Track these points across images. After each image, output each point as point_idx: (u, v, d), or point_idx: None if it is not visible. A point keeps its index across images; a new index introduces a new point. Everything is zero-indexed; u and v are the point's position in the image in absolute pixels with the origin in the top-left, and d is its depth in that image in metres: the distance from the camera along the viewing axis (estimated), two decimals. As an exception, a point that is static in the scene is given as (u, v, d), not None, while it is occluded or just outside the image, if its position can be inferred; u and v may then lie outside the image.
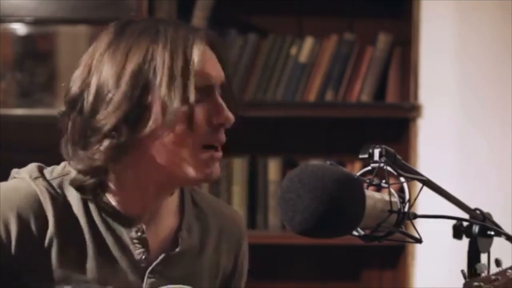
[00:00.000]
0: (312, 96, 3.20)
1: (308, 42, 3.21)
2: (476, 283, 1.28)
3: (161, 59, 1.36)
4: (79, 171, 1.40)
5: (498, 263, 1.35)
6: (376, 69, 3.23)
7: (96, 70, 1.38)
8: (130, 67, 1.36)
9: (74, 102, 1.40)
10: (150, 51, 1.36)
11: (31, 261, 1.38)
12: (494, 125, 3.13)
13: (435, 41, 3.18)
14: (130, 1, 3.08)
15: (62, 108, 1.44)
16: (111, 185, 1.42)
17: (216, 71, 1.42)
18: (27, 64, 3.21)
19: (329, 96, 3.20)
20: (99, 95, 1.37)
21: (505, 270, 1.30)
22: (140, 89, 1.35)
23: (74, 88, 1.40)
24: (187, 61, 1.36)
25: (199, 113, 1.38)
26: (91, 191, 1.42)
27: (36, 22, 3.14)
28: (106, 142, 1.36)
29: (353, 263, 3.35)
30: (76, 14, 3.10)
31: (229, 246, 1.57)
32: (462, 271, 1.30)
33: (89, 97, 1.37)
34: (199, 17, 3.14)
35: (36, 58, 3.22)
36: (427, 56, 3.18)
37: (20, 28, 3.17)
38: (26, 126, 3.13)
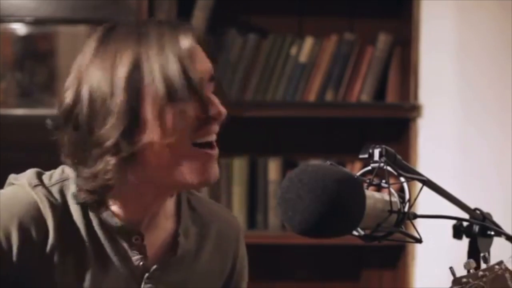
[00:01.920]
0: (312, 96, 3.20)
1: (308, 42, 3.21)
2: (464, 280, 1.28)
3: (154, 61, 1.34)
4: (86, 191, 1.38)
5: (485, 259, 1.35)
6: (376, 69, 3.23)
7: (86, 78, 1.35)
8: (122, 73, 1.34)
9: (68, 115, 1.37)
10: (141, 54, 1.34)
11: (33, 270, 1.37)
12: (494, 125, 3.13)
13: (435, 41, 3.18)
14: (130, 1, 3.08)
15: (55, 119, 1.41)
16: (113, 195, 1.41)
17: (204, 66, 1.39)
18: (27, 64, 3.21)
19: (329, 96, 3.20)
20: (94, 105, 1.34)
21: (492, 266, 1.30)
22: (136, 97, 1.33)
23: (67, 100, 1.37)
24: (178, 59, 1.34)
25: (190, 109, 1.36)
26: (94, 205, 1.41)
27: (36, 22, 3.14)
28: (109, 158, 1.34)
29: (353, 263, 3.35)
30: (76, 14, 3.10)
31: (227, 250, 1.56)
32: (451, 268, 1.30)
33: (83, 108, 1.35)
34: (199, 17, 3.14)
35: (36, 58, 3.22)
36: (427, 56, 3.18)
37: (20, 28, 3.17)
38: (26, 126, 3.12)
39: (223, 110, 1.38)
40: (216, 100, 1.39)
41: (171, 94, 1.33)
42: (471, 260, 1.32)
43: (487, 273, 1.29)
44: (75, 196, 1.40)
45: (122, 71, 1.33)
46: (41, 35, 3.22)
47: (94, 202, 1.40)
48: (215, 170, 1.40)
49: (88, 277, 1.40)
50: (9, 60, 3.19)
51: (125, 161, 1.34)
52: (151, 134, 1.34)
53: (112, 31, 1.39)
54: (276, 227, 3.18)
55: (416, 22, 3.17)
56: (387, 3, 3.28)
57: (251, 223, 3.17)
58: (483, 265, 1.34)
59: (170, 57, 1.34)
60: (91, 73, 1.35)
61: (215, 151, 1.40)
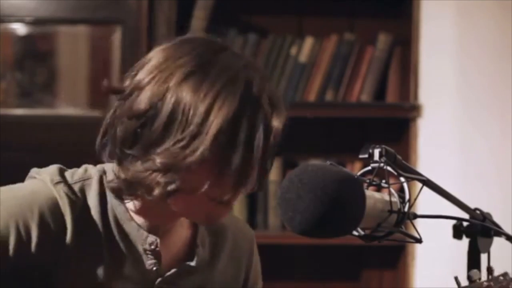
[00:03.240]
0: (312, 96, 3.20)
1: (308, 42, 3.21)
2: None
3: (243, 128, 1.31)
4: (123, 180, 1.38)
5: (490, 270, 1.35)
6: (376, 69, 3.23)
7: (176, 91, 1.32)
8: (218, 120, 1.30)
9: (140, 115, 1.34)
10: (237, 112, 1.31)
11: (49, 264, 1.38)
12: (494, 125, 3.13)
13: (435, 41, 3.18)
14: (130, 1, 3.08)
15: (112, 109, 1.38)
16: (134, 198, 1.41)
17: (273, 144, 1.38)
18: (27, 64, 3.21)
19: (329, 96, 3.20)
20: (173, 119, 1.32)
21: (497, 277, 1.30)
22: (211, 147, 1.31)
23: (143, 101, 1.34)
24: (265, 140, 1.33)
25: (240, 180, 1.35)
26: (116, 203, 1.41)
27: (36, 22, 3.14)
28: (159, 176, 1.33)
29: (353, 263, 3.35)
30: (76, 14, 3.10)
31: (241, 260, 1.57)
32: (456, 278, 1.30)
33: (162, 115, 1.32)
34: (199, 17, 3.14)
35: (36, 58, 3.23)
36: (427, 56, 3.18)
37: (20, 28, 3.17)
38: (26, 126, 3.13)
39: (255, 186, 1.38)
40: (255, 178, 1.37)
41: (239, 166, 1.32)
42: (476, 271, 1.32)
43: (491, 283, 1.29)
44: (105, 185, 1.40)
45: (221, 115, 1.31)
46: (41, 35, 3.22)
47: (119, 196, 1.40)
48: (223, 218, 1.43)
49: (101, 277, 1.40)
50: (9, 60, 3.20)
51: (172, 193, 1.35)
52: (197, 185, 1.34)
53: (213, 59, 1.36)
54: (276, 227, 3.18)
55: (416, 22, 3.18)
56: (387, 3, 3.28)
57: (251, 223, 3.16)
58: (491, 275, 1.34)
59: (259, 132, 1.32)
60: (184, 91, 1.32)
61: (231, 208, 1.41)
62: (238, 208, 3.15)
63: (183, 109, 1.31)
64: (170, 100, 1.32)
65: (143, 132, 1.34)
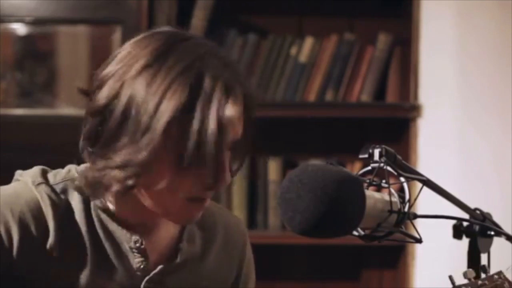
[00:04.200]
0: (312, 96, 3.20)
1: (308, 42, 3.21)
2: None
3: (196, 116, 1.28)
4: (85, 180, 1.38)
5: (484, 269, 1.35)
6: (376, 69, 3.23)
7: (131, 86, 1.32)
8: (170, 107, 1.29)
9: (98, 112, 1.34)
10: (188, 100, 1.29)
11: (32, 267, 1.37)
12: (494, 125, 3.13)
13: (435, 41, 3.18)
14: (130, 1, 3.08)
15: (84, 109, 1.38)
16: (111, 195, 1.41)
17: (235, 130, 1.34)
18: (27, 64, 3.21)
19: (329, 96, 3.20)
20: (128, 113, 1.31)
21: (491, 276, 1.30)
22: (164, 137, 1.30)
23: (103, 94, 1.34)
24: (217, 126, 1.29)
25: (201, 173, 1.33)
26: (96, 202, 1.41)
27: (36, 22, 3.14)
28: (117, 173, 1.32)
29: (353, 263, 3.35)
30: (76, 14, 3.10)
31: (233, 254, 1.56)
32: (450, 276, 1.30)
33: (117, 111, 1.32)
34: (199, 17, 3.14)
35: (36, 58, 3.22)
36: (427, 56, 3.18)
37: (20, 28, 3.17)
38: (26, 126, 3.13)
39: (228, 180, 1.35)
40: (226, 169, 1.34)
41: (194, 156, 1.30)
42: (471, 270, 1.32)
43: (486, 282, 1.29)
44: (77, 187, 1.40)
45: (170, 107, 1.29)
46: (41, 35, 3.22)
47: (93, 195, 1.39)
48: (197, 216, 1.39)
49: (86, 278, 1.39)
50: (9, 60, 3.20)
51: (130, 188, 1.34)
52: (157, 178, 1.33)
53: (169, 51, 1.34)
54: (276, 227, 3.18)
55: (416, 22, 3.17)
56: (387, 3, 3.28)
57: (251, 223, 3.17)
58: (482, 275, 1.34)
59: (212, 120, 1.29)
60: (138, 85, 1.31)
61: (206, 203, 1.38)
62: (238, 208, 3.15)
63: (136, 104, 1.30)
64: (124, 95, 1.31)
65: (103, 129, 1.33)
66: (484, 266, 1.34)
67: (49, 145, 3.02)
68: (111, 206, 1.42)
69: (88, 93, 1.38)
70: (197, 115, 1.29)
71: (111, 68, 1.35)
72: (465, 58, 3.16)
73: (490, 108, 3.13)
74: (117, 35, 3.12)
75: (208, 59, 1.33)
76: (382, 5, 3.28)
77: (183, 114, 1.29)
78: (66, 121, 3.17)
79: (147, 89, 1.30)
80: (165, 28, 1.41)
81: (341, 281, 3.35)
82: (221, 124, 1.30)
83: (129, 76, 1.32)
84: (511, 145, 3.08)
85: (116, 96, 1.32)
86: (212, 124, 1.29)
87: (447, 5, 3.17)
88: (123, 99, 1.31)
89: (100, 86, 1.35)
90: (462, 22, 3.16)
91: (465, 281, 1.30)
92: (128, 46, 1.38)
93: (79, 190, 1.41)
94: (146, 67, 1.32)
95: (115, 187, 1.34)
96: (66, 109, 3.25)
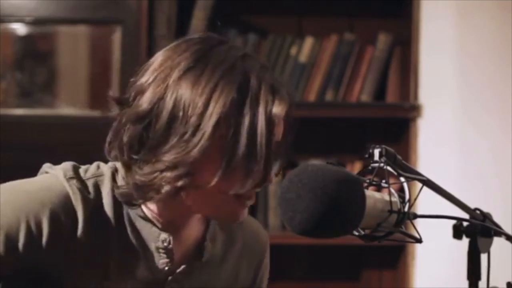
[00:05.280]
0: (312, 96, 3.20)
1: (308, 42, 3.21)
2: None
3: (244, 115, 1.31)
4: (133, 185, 1.37)
5: (510, 286, 1.35)
6: (376, 69, 3.23)
7: (175, 88, 1.33)
8: (219, 108, 1.31)
9: (142, 117, 1.34)
10: (236, 100, 1.31)
11: (60, 260, 1.37)
12: (494, 125, 3.13)
13: (435, 41, 3.18)
14: (130, 1, 3.08)
15: (117, 111, 1.38)
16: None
17: (279, 133, 1.38)
18: (27, 64, 3.21)
19: (329, 96, 3.20)
20: (175, 115, 1.32)
21: None
22: (214, 138, 1.31)
23: (146, 98, 1.34)
24: (266, 123, 1.32)
25: (252, 172, 1.34)
26: (130, 204, 1.41)
27: (36, 22, 3.14)
28: (167, 176, 1.33)
29: (353, 263, 3.35)
30: (76, 14, 3.10)
31: (251, 260, 1.57)
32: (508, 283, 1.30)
33: (164, 114, 1.32)
34: (199, 17, 3.14)
35: (36, 58, 3.23)
36: (427, 56, 3.18)
37: (20, 28, 3.17)
38: (26, 126, 3.13)
39: (273, 179, 1.38)
40: (272, 171, 1.37)
41: (244, 154, 1.32)
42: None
43: None
44: (115, 191, 1.40)
45: (219, 106, 1.31)
46: (41, 35, 3.22)
47: (129, 201, 1.40)
48: (243, 215, 1.41)
49: (111, 273, 1.40)
50: (9, 60, 3.20)
51: (181, 190, 1.35)
52: (207, 178, 1.33)
53: (212, 52, 1.36)
54: (276, 227, 3.18)
55: (416, 22, 3.18)
56: (387, 3, 3.28)
57: (251, 223, 3.17)
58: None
59: (261, 118, 1.32)
60: (182, 87, 1.32)
61: (252, 202, 1.40)
62: (238, 208, 3.15)
63: (183, 105, 1.32)
64: (170, 98, 1.32)
65: (147, 134, 1.34)
66: (509, 283, 1.35)
67: (49, 145, 3.02)
68: (144, 208, 1.42)
69: (123, 101, 1.38)
70: (247, 112, 1.31)
71: (149, 75, 1.36)
72: (465, 58, 3.16)
73: (490, 108, 3.13)
74: (117, 35, 3.12)
75: (249, 60, 1.36)
76: (382, 5, 3.28)
77: (233, 113, 1.31)
78: (66, 121, 3.17)
79: (193, 90, 1.32)
80: (198, 34, 1.42)
81: (341, 281, 3.35)
82: (270, 122, 1.33)
83: (172, 80, 1.33)
84: (511, 145, 3.08)
85: (160, 99, 1.33)
86: (261, 122, 1.32)
87: (447, 5, 3.17)
88: (169, 101, 1.32)
89: (140, 93, 1.35)
90: (462, 22, 3.16)
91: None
92: (162, 53, 1.39)
93: (110, 186, 1.41)
94: (189, 69, 1.33)
95: (166, 188, 1.34)
96: (66, 109, 3.25)
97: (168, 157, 1.32)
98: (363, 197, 1.24)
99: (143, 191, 1.36)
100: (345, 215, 1.23)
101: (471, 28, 3.15)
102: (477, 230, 1.40)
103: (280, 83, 1.38)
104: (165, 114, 1.32)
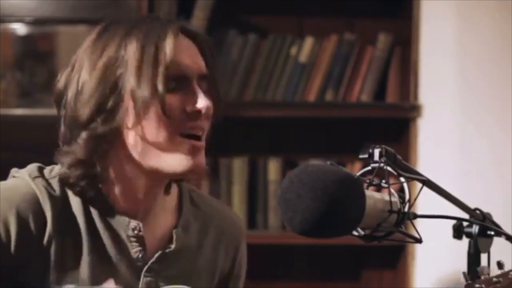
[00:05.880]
0: (312, 96, 3.19)
1: (308, 42, 3.21)
2: (477, 285, 1.27)
3: (131, 51, 1.39)
4: (67, 166, 1.42)
5: (500, 265, 1.35)
6: (376, 69, 3.23)
7: (78, 68, 1.42)
8: (103, 60, 1.40)
9: (59, 99, 1.44)
10: (122, 45, 1.40)
11: (30, 260, 1.38)
12: (494, 125, 3.13)
13: (435, 41, 3.18)
14: (130, 1, 3.08)
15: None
16: (103, 180, 1.43)
17: (193, 62, 1.43)
18: (27, 64, 3.21)
19: (329, 96, 3.20)
20: (78, 90, 1.40)
21: (507, 272, 1.30)
22: (111, 81, 1.39)
23: (59, 86, 1.44)
24: (157, 51, 1.38)
25: (173, 101, 1.39)
26: (83, 185, 1.43)
27: (36, 22, 3.14)
28: (84, 135, 1.39)
29: (353, 263, 3.35)
30: (76, 14, 3.10)
31: (228, 248, 1.58)
32: (464, 273, 1.30)
33: (70, 92, 1.41)
34: (199, 17, 3.14)
35: (36, 58, 3.22)
36: (427, 56, 3.18)
37: (20, 28, 3.17)
38: (26, 126, 3.13)
39: (205, 103, 1.40)
40: (199, 94, 1.41)
41: (145, 85, 1.38)
42: (485, 266, 1.32)
43: (501, 279, 1.28)
44: (63, 177, 1.43)
45: (103, 59, 1.40)
46: (41, 35, 3.22)
47: (81, 182, 1.42)
48: (200, 160, 1.42)
49: (86, 269, 1.40)
50: (9, 60, 3.19)
51: (103, 139, 1.39)
52: (128, 118, 1.39)
53: (108, 27, 1.45)
54: (276, 227, 3.18)
55: (416, 22, 3.17)
56: (387, 3, 3.28)
57: (251, 223, 3.17)
58: (497, 271, 1.34)
59: (151, 49, 1.38)
60: (81, 63, 1.42)
61: (201, 143, 1.42)
62: (238, 208, 3.15)
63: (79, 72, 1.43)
64: (74, 73, 1.43)
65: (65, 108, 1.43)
66: (500, 262, 1.34)
67: (49, 145, 3.02)
68: (106, 194, 1.44)
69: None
70: (133, 48, 1.39)
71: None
72: (465, 58, 3.16)
73: (490, 108, 3.13)
74: (117, 35, 3.12)
75: (145, 18, 1.48)
76: (382, 5, 3.28)
77: (120, 53, 1.40)
78: (66, 121, 3.17)
79: (90, 58, 1.44)
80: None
81: (341, 281, 3.35)
82: (160, 48, 1.39)
83: (77, 57, 1.46)
84: (511, 145, 3.08)
85: (68, 76, 1.45)
86: (151, 49, 1.39)
87: (447, 5, 3.17)
88: (75, 75, 1.43)
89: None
90: (462, 22, 3.16)
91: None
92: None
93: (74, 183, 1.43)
94: (89, 45, 1.45)
95: (84, 136, 1.39)
96: (66, 109, 3.24)
97: (79, 115, 1.39)
98: (363, 197, 1.24)
99: (70, 161, 1.41)
100: (345, 215, 1.23)
101: (471, 28, 3.15)
102: (477, 230, 1.40)
103: (178, 20, 1.47)
104: (74, 83, 1.42)
